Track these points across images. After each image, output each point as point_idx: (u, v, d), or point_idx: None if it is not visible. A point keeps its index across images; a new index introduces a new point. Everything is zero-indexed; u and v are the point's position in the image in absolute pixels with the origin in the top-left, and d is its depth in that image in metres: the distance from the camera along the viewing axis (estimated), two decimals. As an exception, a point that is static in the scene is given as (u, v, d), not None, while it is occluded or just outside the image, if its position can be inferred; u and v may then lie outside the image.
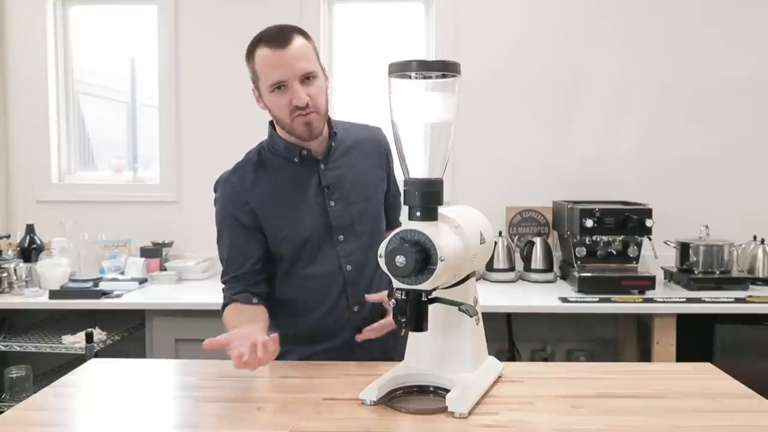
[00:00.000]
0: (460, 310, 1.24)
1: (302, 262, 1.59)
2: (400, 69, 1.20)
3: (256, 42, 1.52)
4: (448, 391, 1.25)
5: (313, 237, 1.57)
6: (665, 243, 2.90)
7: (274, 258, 1.60)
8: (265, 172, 1.59)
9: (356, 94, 3.29)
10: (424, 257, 1.15)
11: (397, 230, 1.19)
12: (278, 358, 1.52)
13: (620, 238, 2.76)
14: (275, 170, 1.60)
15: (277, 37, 1.49)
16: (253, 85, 1.56)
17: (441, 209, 1.23)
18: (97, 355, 2.44)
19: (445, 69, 1.21)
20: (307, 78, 1.49)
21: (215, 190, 1.62)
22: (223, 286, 1.62)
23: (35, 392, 1.45)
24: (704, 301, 2.54)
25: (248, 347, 1.24)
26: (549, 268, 2.98)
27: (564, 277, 2.97)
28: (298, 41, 1.50)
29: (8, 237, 2.96)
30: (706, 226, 2.87)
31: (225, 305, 1.58)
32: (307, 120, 1.51)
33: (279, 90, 1.49)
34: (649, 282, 2.67)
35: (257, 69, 1.51)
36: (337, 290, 1.59)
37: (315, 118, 1.52)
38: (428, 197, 1.20)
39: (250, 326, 1.42)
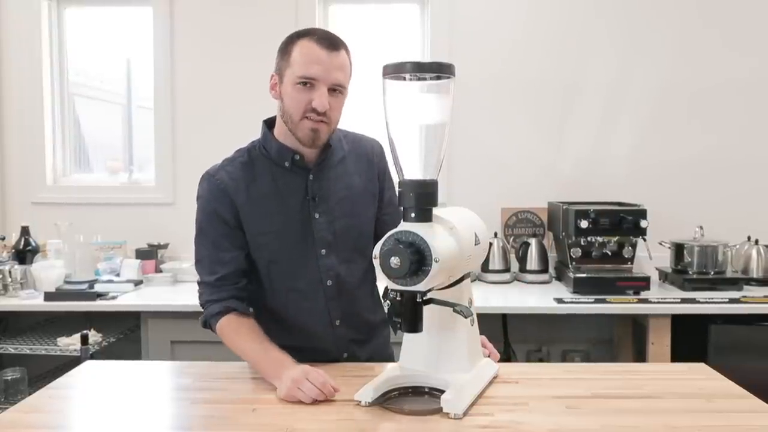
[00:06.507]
0: (454, 311, 1.24)
1: (281, 272, 1.54)
2: (395, 70, 1.20)
3: (302, 35, 1.49)
4: (443, 392, 1.25)
5: (294, 247, 1.53)
6: (660, 244, 2.90)
7: (253, 263, 1.56)
8: (252, 173, 1.55)
9: (351, 95, 3.29)
10: (418, 258, 1.16)
11: (392, 231, 1.19)
12: None
13: (615, 239, 2.77)
14: (263, 173, 1.55)
15: (329, 39, 1.48)
16: (274, 72, 1.52)
17: (436, 210, 1.23)
18: (92, 356, 2.43)
19: (440, 70, 1.21)
20: (335, 89, 1.48)
21: (200, 185, 1.56)
22: (204, 287, 1.55)
23: (30, 394, 1.44)
24: (699, 302, 2.55)
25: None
26: (544, 269, 2.99)
27: (559, 278, 2.98)
28: (344, 53, 1.51)
29: (3, 239, 2.96)
30: (701, 227, 2.87)
31: (218, 313, 1.51)
32: (316, 127, 1.47)
33: (305, 86, 1.46)
34: (644, 283, 2.67)
35: (293, 56, 1.47)
36: (319, 304, 1.56)
37: (323, 128, 1.49)
38: (423, 198, 1.20)
39: (272, 352, 1.44)
